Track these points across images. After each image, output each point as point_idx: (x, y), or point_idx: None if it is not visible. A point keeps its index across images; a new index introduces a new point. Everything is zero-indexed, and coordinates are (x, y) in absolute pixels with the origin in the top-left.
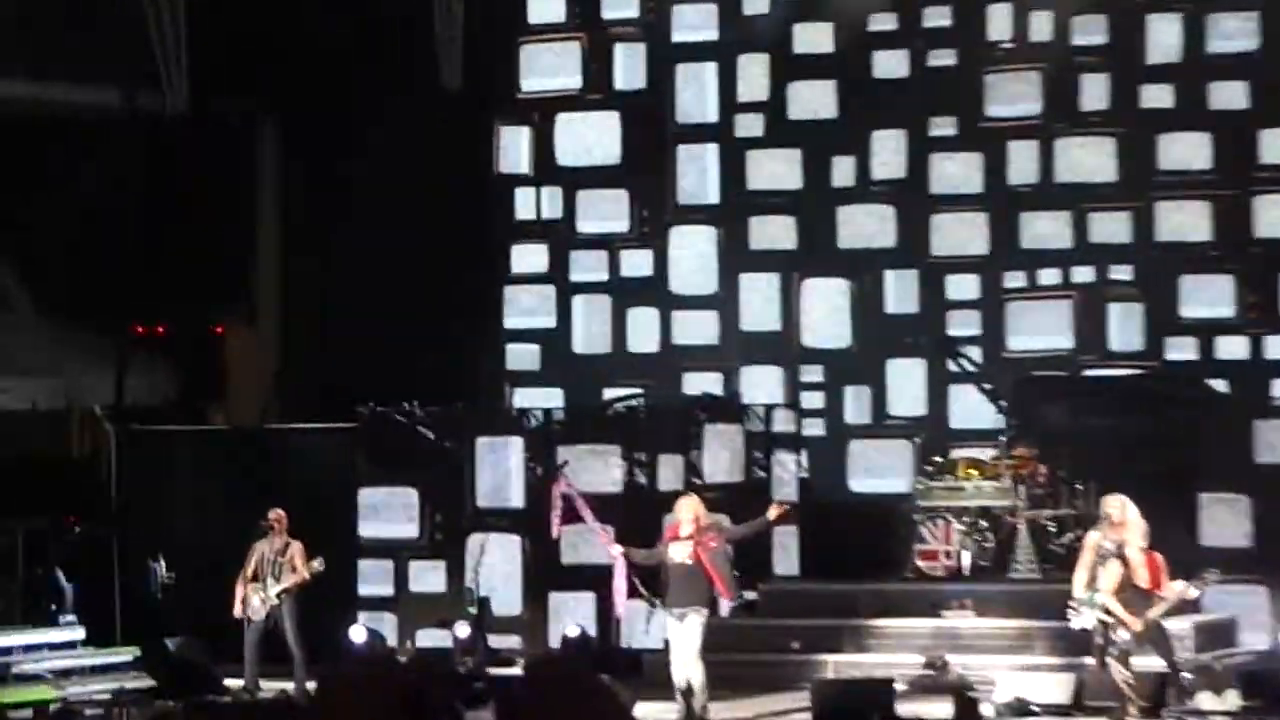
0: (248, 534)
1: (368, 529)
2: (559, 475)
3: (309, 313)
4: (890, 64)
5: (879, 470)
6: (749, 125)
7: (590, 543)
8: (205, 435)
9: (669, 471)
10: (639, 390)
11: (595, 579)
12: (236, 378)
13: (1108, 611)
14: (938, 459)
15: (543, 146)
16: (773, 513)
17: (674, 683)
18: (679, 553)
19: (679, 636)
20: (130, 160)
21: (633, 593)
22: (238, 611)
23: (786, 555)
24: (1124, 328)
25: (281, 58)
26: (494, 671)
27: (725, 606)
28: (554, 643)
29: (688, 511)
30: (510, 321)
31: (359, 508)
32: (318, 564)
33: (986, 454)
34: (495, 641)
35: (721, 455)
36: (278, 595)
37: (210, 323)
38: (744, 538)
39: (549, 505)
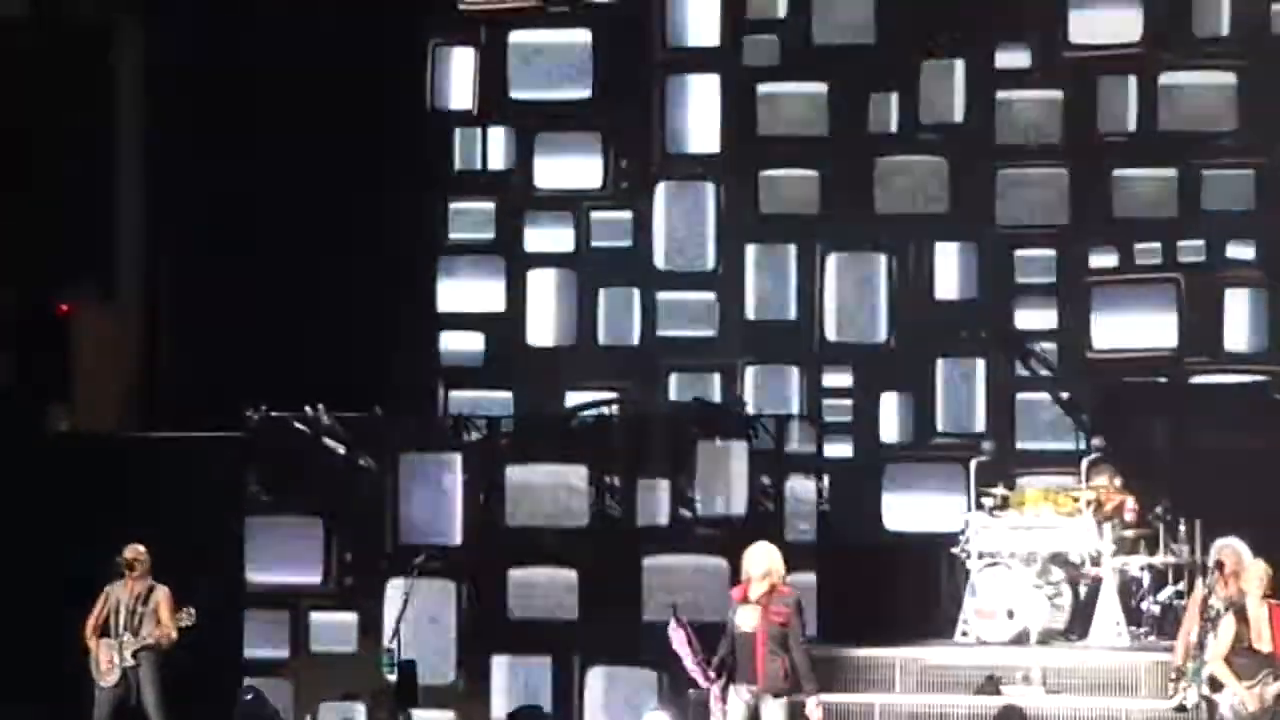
0: (98, 575)
1: (257, 571)
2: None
3: (184, 287)
4: None
5: (922, 503)
6: (761, 51)
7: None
8: (44, 443)
9: (650, 500)
10: (612, 395)
11: (552, 640)
12: (87, 370)
13: (1215, 684)
14: (999, 489)
15: (491, 73)
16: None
17: None
18: (746, 620)
19: None
20: None
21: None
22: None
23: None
24: (1245, 321)
25: None
26: None
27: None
28: None
29: (758, 566)
30: (446, 303)
31: (246, 543)
32: (186, 616)
33: (1063, 483)
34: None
35: (718, 481)
36: (134, 655)
37: (53, 299)
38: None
39: (686, 651)
